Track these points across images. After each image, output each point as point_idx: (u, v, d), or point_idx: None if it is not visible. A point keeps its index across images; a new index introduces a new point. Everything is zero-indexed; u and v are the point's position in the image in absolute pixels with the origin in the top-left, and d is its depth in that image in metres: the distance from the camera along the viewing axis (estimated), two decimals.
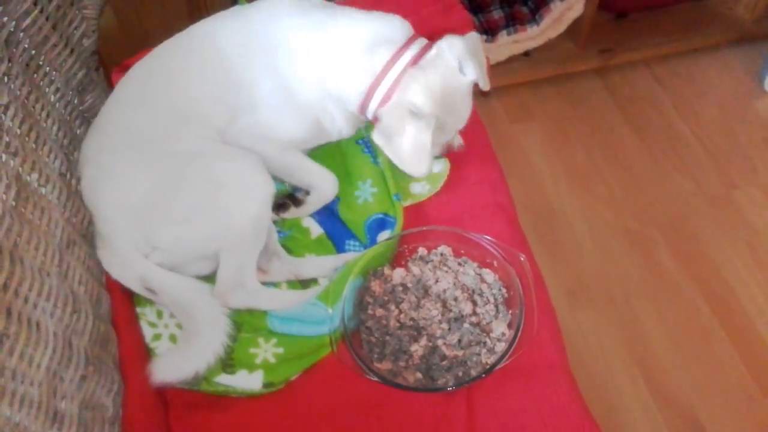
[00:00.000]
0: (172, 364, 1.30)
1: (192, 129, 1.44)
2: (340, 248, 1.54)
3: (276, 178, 1.51)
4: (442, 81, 1.40)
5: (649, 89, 2.78)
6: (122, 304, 1.39)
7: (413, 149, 1.38)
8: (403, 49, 1.43)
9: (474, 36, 1.47)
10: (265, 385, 1.34)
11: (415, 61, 1.42)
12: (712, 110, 2.71)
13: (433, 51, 1.43)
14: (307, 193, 1.58)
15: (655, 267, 2.24)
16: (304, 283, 1.49)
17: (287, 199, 1.57)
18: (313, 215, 1.59)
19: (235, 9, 1.55)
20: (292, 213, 1.57)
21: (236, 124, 1.48)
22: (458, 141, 1.59)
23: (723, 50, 2.89)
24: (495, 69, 2.57)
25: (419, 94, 1.38)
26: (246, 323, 1.43)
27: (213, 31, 1.50)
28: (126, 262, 1.38)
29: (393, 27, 1.47)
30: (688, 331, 2.09)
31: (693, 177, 2.49)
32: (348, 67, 1.44)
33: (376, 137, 1.42)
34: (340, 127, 1.55)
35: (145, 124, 1.43)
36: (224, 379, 1.34)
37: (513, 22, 2.56)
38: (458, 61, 1.41)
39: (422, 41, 1.47)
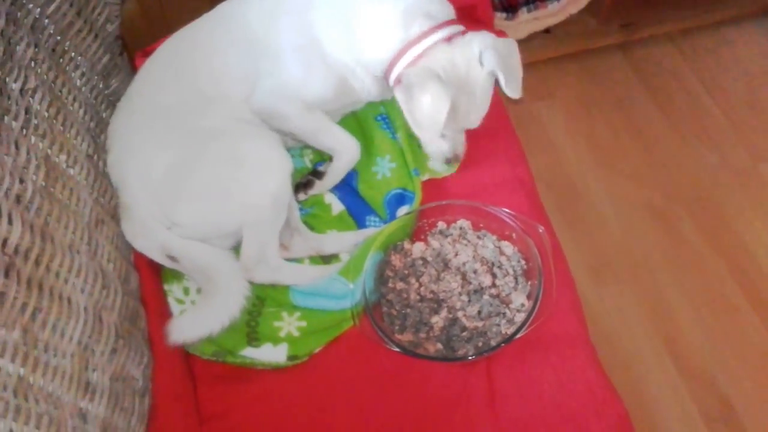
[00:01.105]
0: (190, 324, 1.35)
1: (216, 107, 1.47)
2: (360, 224, 1.56)
3: (296, 153, 1.56)
4: (466, 64, 1.43)
5: (672, 63, 2.74)
6: (150, 281, 1.43)
7: (431, 109, 1.39)
8: (439, 27, 1.45)
9: (510, 41, 1.50)
10: (290, 358, 1.38)
11: (447, 40, 1.45)
12: (737, 83, 2.66)
13: (467, 37, 1.46)
14: (330, 161, 1.60)
15: (679, 242, 2.23)
16: (326, 259, 1.52)
17: (311, 176, 1.60)
18: (334, 192, 1.61)
19: None
20: (317, 188, 1.60)
21: (260, 87, 1.51)
22: (462, 148, 1.57)
23: (749, 22, 2.83)
24: None
25: (447, 65, 1.42)
26: (270, 298, 1.46)
27: (239, 6, 1.54)
28: (148, 231, 1.42)
29: (436, 4, 1.50)
30: (713, 306, 2.08)
31: (719, 150, 2.45)
32: (382, 30, 1.47)
33: (398, 92, 1.46)
34: (369, 89, 1.58)
35: (171, 102, 1.47)
36: (249, 352, 1.38)
37: None
38: (479, 52, 1.43)
39: (459, 27, 1.48)
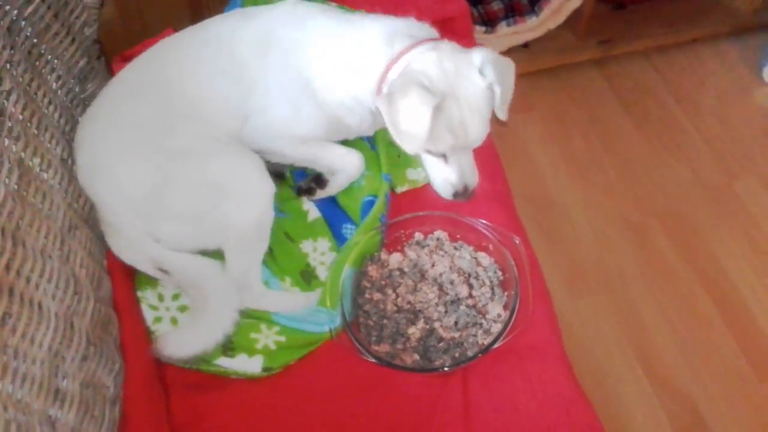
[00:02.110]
0: (184, 340, 1.33)
1: (192, 126, 1.44)
2: (336, 232, 1.55)
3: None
4: (457, 71, 1.36)
5: (648, 80, 2.79)
6: (123, 287, 1.41)
7: (411, 117, 1.31)
8: (424, 41, 1.42)
9: (509, 61, 1.42)
10: (264, 369, 1.36)
11: (434, 48, 1.40)
12: (711, 101, 2.72)
13: (457, 46, 1.41)
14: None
15: (653, 256, 2.25)
16: (307, 279, 1.50)
17: (312, 183, 1.59)
18: (315, 202, 1.60)
19: (249, 10, 1.57)
20: (318, 195, 1.59)
21: (251, 123, 1.50)
22: (473, 179, 1.47)
23: (722, 41, 2.90)
24: None
25: (433, 69, 1.35)
26: (248, 310, 1.44)
27: (228, 31, 1.50)
28: (135, 245, 1.41)
29: (415, 26, 1.48)
30: (685, 319, 2.10)
31: (692, 167, 2.50)
32: (368, 55, 1.44)
33: (380, 101, 1.35)
34: (366, 125, 1.56)
35: (148, 117, 1.44)
36: (224, 362, 1.36)
37: (512, 13, 2.58)
38: (481, 62, 1.37)
39: (447, 41, 1.45)
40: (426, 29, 1.49)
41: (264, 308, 1.44)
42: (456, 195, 1.45)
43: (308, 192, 1.59)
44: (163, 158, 1.40)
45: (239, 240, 1.41)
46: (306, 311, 1.43)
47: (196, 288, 1.40)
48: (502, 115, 1.40)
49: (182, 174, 1.40)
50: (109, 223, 1.41)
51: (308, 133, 1.53)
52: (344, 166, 1.56)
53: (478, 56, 1.37)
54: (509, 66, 1.40)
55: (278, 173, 1.61)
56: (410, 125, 1.32)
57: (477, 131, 1.39)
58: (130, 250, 1.41)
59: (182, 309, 1.42)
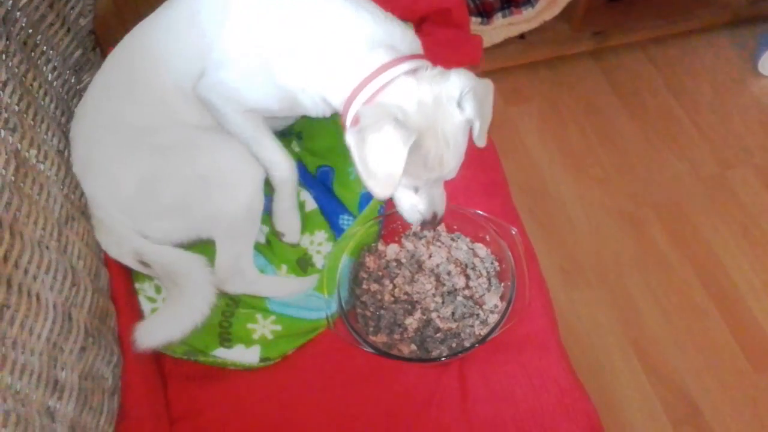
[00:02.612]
0: (154, 328, 1.32)
1: (170, 117, 1.42)
2: (333, 223, 1.55)
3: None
4: (436, 102, 1.24)
5: (643, 71, 2.79)
6: (121, 279, 1.41)
7: (384, 157, 1.18)
8: (403, 60, 1.29)
9: (488, 84, 1.32)
10: (262, 360, 1.37)
11: (416, 71, 1.28)
12: (706, 92, 2.72)
13: (436, 71, 1.28)
14: None
15: (648, 246, 2.26)
16: (303, 267, 1.50)
17: None
18: (309, 190, 1.60)
19: None
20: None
21: (203, 79, 1.42)
22: (442, 206, 1.40)
23: (717, 32, 2.90)
24: (490, 52, 2.58)
25: (411, 103, 1.24)
26: (244, 300, 1.45)
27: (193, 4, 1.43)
28: (122, 241, 1.41)
29: (401, 37, 1.35)
30: (681, 309, 2.11)
31: (687, 158, 2.50)
32: (339, 61, 1.32)
33: (350, 135, 1.21)
34: (322, 109, 1.44)
35: (125, 113, 1.42)
36: (221, 353, 1.37)
37: (508, 4, 2.57)
38: (460, 93, 1.25)
39: (425, 60, 1.33)
40: (409, 39, 1.36)
41: (259, 293, 1.44)
42: (423, 223, 1.40)
43: None
44: (149, 155, 1.39)
45: (230, 227, 1.41)
46: (302, 297, 1.44)
47: (171, 279, 1.39)
48: (481, 143, 1.33)
49: (169, 169, 1.39)
50: (97, 218, 1.42)
51: (257, 104, 1.43)
52: (274, 166, 1.47)
53: (456, 85, 1.25)
54: (489, 91, 1.31)
55: None
56: (382, 166, 1.19)
57: (452, 164, 1.31)
58: (115, 245, 1.41)
59: None
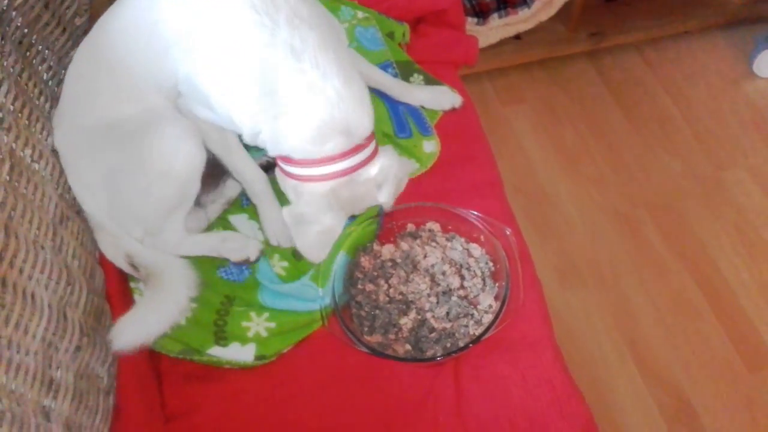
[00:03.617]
0: (130, 329, 1.30)
1: (131, 104, 1.38)
2: None
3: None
4: (364, 191, 1.40)
5: (639, 72, 2.80)
6: (116, 278, 1.41)
7: (321, 240, 1.40)
8: (351, 152, 1.33)
9: (409, 164, 1.56)
10: (257, 358, 1.37)
11: (359, 167, 1.35)
12: (701, 92, 2.73)
13: (375, 168, 1.38)
14: None
15: (643, 247, 2.27)
16: (297, 255, 1.50)
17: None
18: None
19: None
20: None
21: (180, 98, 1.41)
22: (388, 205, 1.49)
23: (713, 33, 2.91)
24: (486, 52, 2.58)
25: (345, 197, 1.38)
26: (238, 297, 1.45)
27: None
28: (117, 242, 1.41)
29: (358, 114, 1.31)
30: (675, 310, 2.12)
31: (682, 158, 2.51)
32: (291, 130, 1.30)
33: (287, 215, 1.39)
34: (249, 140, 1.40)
35: (90, 116, 1.39)
36: (217, 351, 1.37)
37: (504, 4, 2.58)
38: (382, 181, 1.40)
39: (371, 147, 1.37)
40: (365, 118, 1.33)
41: (185, 253, 1.44)
42: None
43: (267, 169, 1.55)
44: (107, 151, 1.38)
45: (165, 211, 1.43)
46: (295, 286, 1.44)
47: (153, 283, 1.38)
48: (386, 204, 1.46)
49: (122, 160, 1.38)
50: (93, 222, 1.42)
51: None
52: (243, 181, 1.51)
53: (378, 173, 1.39)
54: (406, 168, 1.52)
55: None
56: (319, 244, 1.40)
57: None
58: (111, 247, 1.42)
59: None
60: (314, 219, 1.36)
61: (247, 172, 1.49)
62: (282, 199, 1.50)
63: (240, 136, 1.43)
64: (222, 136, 1.45)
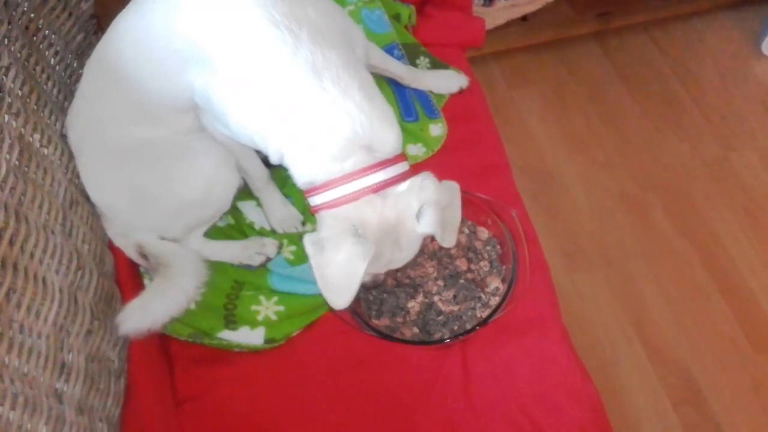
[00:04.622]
0: (134, 316, 1.31)
1: (158, 121, 1.37)
2: None
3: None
4: (397, 220, 1.21)
5: (646, 53, 2.78)
6: (125, 262, 1.42)
7: (343, 273, 1.17)
8: (376, 167, 1.20)
9: (454, 187, 1.28)
10: (267, 341, 1.38)
11: (385, 186, 1.20)
12: (710, 74, 2.71)
13: (404, 186, 1.21)
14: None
15: (651, 229, 2.26)
16: None
17: None
18: None
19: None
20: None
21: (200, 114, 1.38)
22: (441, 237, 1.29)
23: (721, 14, 2.88)
24: (493, 34, 2.56)
25: (372, 223, 1.20)
26: (248, 282, 1.46)
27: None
28: (127, 232, 1.44)
29: (384, 133, 1.22)
30: (683, 292, 2.12)
31: (690, 140, 2.50)
32: (311, 150, 1.21)
33: (308, 244, 1.18)
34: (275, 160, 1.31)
35: (112, 116, 1.37)
36: (227, 335, 1.38)
37: None
38: (420, 207, 1.20)
39: (402, 167, 1.24)
40: (391, 136, 1.23)
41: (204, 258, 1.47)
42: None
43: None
44: (133, 166, 1.38)
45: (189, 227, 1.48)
46: (303, 269, 1.45)
47: (162, 272, 1.40)
48: (447, 245, 1.29)
49: (153, 179, 1.39)
50: (103, 214, 1.45)
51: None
52: (246, 175, 1.50)
53: (415, 200, 1.20)
54: (453, 193, 1.28)
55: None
56: (340, 280, 1.18)
57: (402, 263, 1.30)
58: (121, 236, 1.44)
59: None
60: (335, 245, 1.17)
61: (250, 169, 1.49)
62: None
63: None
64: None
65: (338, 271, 1.17)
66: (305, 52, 1.17)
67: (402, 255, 1.27)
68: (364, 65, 1.35)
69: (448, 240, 1.27)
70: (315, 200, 1.23)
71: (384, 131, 1.21)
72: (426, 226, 1.19)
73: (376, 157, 1.20)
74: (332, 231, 1.18)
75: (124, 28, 1.34)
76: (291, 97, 1.19)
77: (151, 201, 1.40)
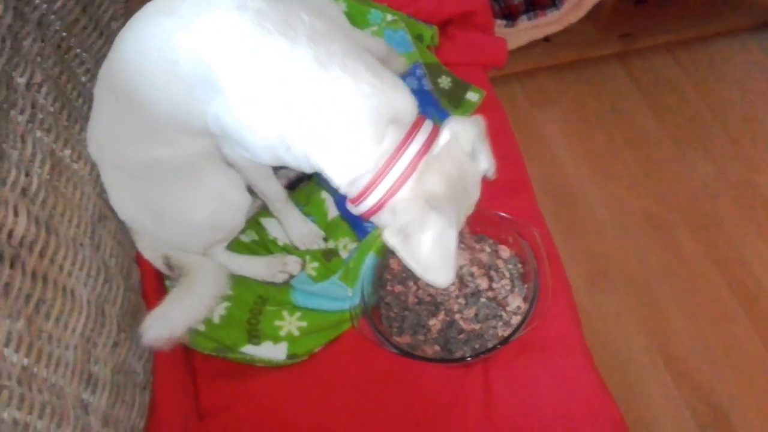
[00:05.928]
0: (155, 325, 1.32)
1: (168, 149, 1.37)
2: (358, 229, 1.56)
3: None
4: (459, 170, 1.20)
5: (670, 74, 2.77)
6: (152, 276, 1.44)
7: (437, 250, 1.14)
8: (412, 132, 1.19)
9: (478, 120, 1.26)
10: (289, 356, 1.39)
11: (427, 147, 1.19)
12: (733, 95, 2.70)
13: (446, 135, 1.19)
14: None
15: (675, 251, 2.25)
16: (327, 257, 1.52)
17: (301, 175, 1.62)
18: (334, 196, 1.61)
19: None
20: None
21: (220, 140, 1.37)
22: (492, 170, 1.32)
23: (744, 35, 2.87)
24: (515, 54, 2.57)
25: (440, 185, 1.16)
26: (271, 297, 1.47)
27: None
28: (155, 245, 1.47)
29: (402, 100, 1.21)
30: (708, 314, 2.10)
31: (715, 162, 2.48)
32: (346, 144, 1.18)
33: (390, 237, 1.14)
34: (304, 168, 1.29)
35: (125, 140, 1.36)
36: (250, 350, 1.39)
37: (533, 6, 2.57)
38: (472, 148, 1.21)
39: (429, 124, 1.24)
40: (406, 99, 1.22)
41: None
42: None
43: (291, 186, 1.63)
44: (151, 188, 1.39)
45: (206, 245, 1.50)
46: (325, 285, 1.47)
47: (186, 282, 1.42)
48: (494, 175, 1.30)
49: (172, 201, 1.41)
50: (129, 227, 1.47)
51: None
52: (264, 195, 1.52)
53: (465, 141, 1.20)
54: (481, 124, 1.26)
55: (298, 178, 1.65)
56: (437, 258, 1.15)
57: (471, 210, 1.29)
58: (150, 249, 1.47)
59: None
60: (420, 226, 1.13)
61: (267, 190, 1.50)
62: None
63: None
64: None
65: (433, 249, 1.14)
66: (305, 49, 1.17)
67: (472, 200, 1.26)
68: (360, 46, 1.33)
69: (494, 171, 1.29)
70: (368, 201, 1.20)
71: (402, 99, 1.21)
72: (485, 161, 1.25)
73: (406, 125, 1.20)
74: (407, 214, 1.14)
75: (127, 43, 1.31)
76: (305, 97, 1.17)
77: (165, 219, 1.41)
